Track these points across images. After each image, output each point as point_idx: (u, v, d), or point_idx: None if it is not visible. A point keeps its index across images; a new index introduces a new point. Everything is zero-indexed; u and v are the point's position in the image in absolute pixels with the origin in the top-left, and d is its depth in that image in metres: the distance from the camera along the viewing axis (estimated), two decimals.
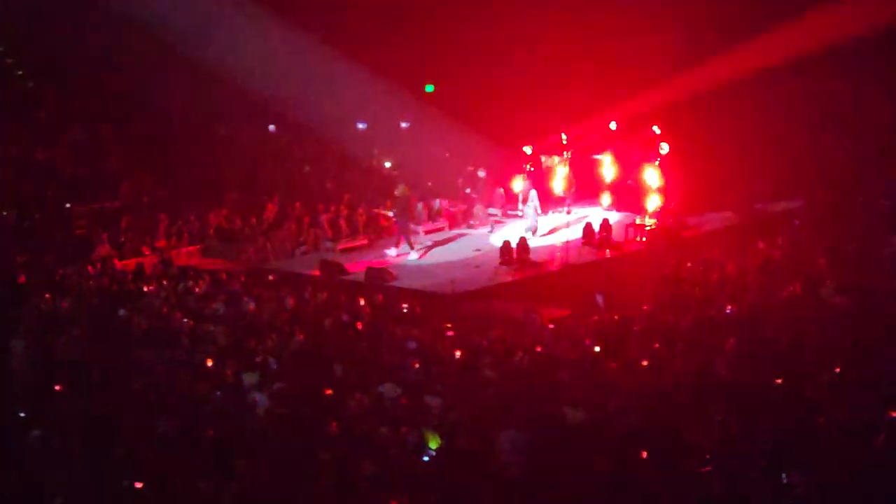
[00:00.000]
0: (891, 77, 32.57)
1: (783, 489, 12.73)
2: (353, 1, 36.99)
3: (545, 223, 31.96)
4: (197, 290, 25.07)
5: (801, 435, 14.30)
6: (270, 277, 27.24)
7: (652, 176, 31.61)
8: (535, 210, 31.52)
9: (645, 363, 18.24)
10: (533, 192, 31.79)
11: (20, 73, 36.68)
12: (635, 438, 14.17)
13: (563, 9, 35.22)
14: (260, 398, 16.38)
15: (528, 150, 34.22)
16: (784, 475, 12.82)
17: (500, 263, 27.49)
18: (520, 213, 33.44)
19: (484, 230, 32.48)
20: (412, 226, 31.15)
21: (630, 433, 14.44)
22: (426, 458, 14.09)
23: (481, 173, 33.05)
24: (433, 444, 14.37)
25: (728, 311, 21.67)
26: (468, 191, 33.16)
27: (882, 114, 32.80)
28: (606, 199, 34.11)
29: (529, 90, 35.88)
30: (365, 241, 31.51)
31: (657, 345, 19.31)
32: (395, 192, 30.37)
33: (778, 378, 16.93)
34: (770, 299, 22.59)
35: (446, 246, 31.15)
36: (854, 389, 16.33)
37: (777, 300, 22.53)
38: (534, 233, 30.98)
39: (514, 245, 27.67)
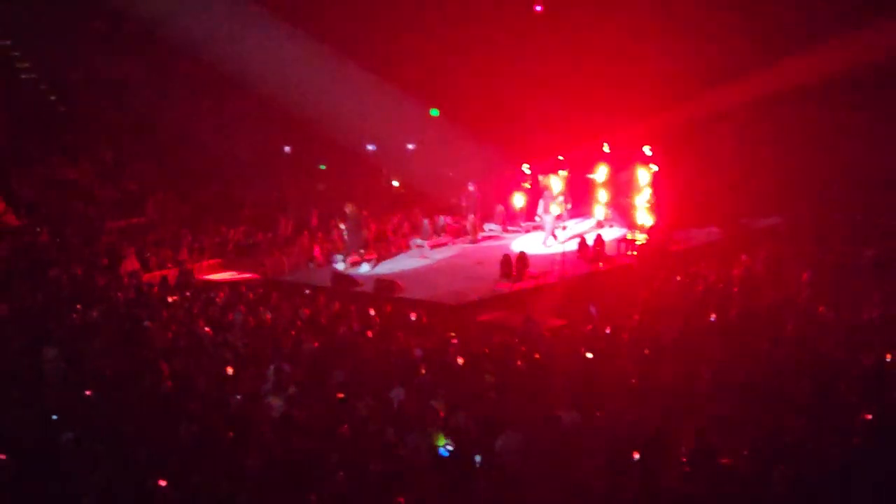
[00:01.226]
0: (865, 104, 32.61)
1: (765, 487, 12.73)
2: (362, 30, 37.02)
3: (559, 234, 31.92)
4: (217, 300, 25.12)
5: (782, 435, 14.32)
6: (286, 288, 27.27)
7: (642, 194, 31.66)
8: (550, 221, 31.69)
9: (635, 369, 18.28)
10: (541, 203, 31.95)
11: (53, 97, 36.78)
12: (627, 439, 14.18)
13: (561, 41, 35.38)
14: (276, 402, 16.40)
15: (526, 168, 34.27)
16: (767, 473, 12.82)
17: (501, 276, 27.49)
18: (520, 229, 33.55)
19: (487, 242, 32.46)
20: (416, 240, 31.44)
21: (622, 434, 14.46)
22: (443, 455, 14.08)
23: (471, 187, 32.94)
24: (440, 445, 14.38)
25: (712, 320, 21.70)
26: (464, 205, 33.02)
27: (858, 138, 32.84)
28: (599, 215, 34.10)
29: (529, 114, 35.92)
30: (374, 255, 31.51)
31: (647, 352, 19.35)
32: (346, 210, 30.52)
33: (760, 382, 16.98)
34: (752, 309, 22.62)
35: (450, 259, 31.18)
36: (832, 393, 16.37)
37: (759, 310, 22.56)
38: (546, 241, 31.15)
39: (514, 258, 27.70)
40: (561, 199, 32.61)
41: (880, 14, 31.01)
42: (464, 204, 33.55)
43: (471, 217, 33.15)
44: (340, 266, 29.85)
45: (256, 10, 35.06)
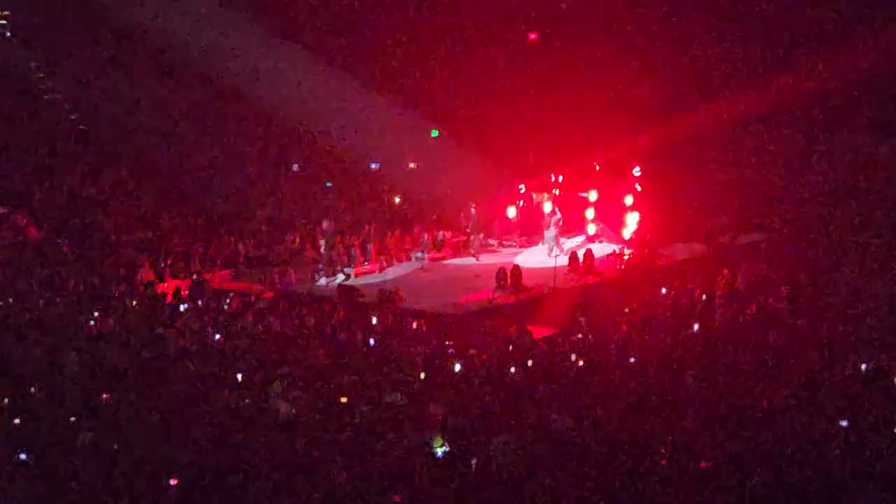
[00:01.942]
0: (840, 127, 32.74)
1: (745, 492, 12.73)
2: (367, 54, 37.10)
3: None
4: (228, 310, 25.14)
5: (762, 441, 14.33)
6: (293, 298, 27.28)
7: (630, 211, 31.73)
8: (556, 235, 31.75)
9: (622, 377, 18.30)
10: (554, 219, 32.04)
11: (73, 117, 36.86)
12: (615, 443, 14.19)
13: (556, 67, 35.51)
14: (283, 406, 16.41)
15: (522, 187, 34.31)
16: (746, 478, 12.83)
17: (496, 287, 27.53)
18: (515, 244, 33.61)
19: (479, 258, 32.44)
20: (417, 253, 31.56)
21: (611, 438, 14.47)
22: (439, 457, 14.09)
23: (473, 209, 32.87)
24: (438, 447, 14.39)
25: (695, 330, 21.75)
26: (468, 230, 32.86)
27: (832, 159, 32.97)
28: (590, 231, 34.11)
29: (525, 134, 36.01)
30: (377, 268, 31.52)
31: (633, 359, 19.39)
32: (323, 226, 30.55)
33: (741, 390, 17.00)
34: (734, 321, 22.67)
35: (449, 272, 31.20)
36: (810, 400, 16.39)
37: (741, 321, 22.61)
38: (550, 252, 31.27)
39: (510, 271, 27.75)
40: (559, 215, 32.60)
41: (855, 37, 31.14)
42: (465, 223, 33.51)
43: (477, 236, 33.03)
44: (322, 281, 29.93)
45: (265, 32, 35.16)
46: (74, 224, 32.15)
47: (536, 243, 33.20)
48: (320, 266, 30.56)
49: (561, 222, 33.21)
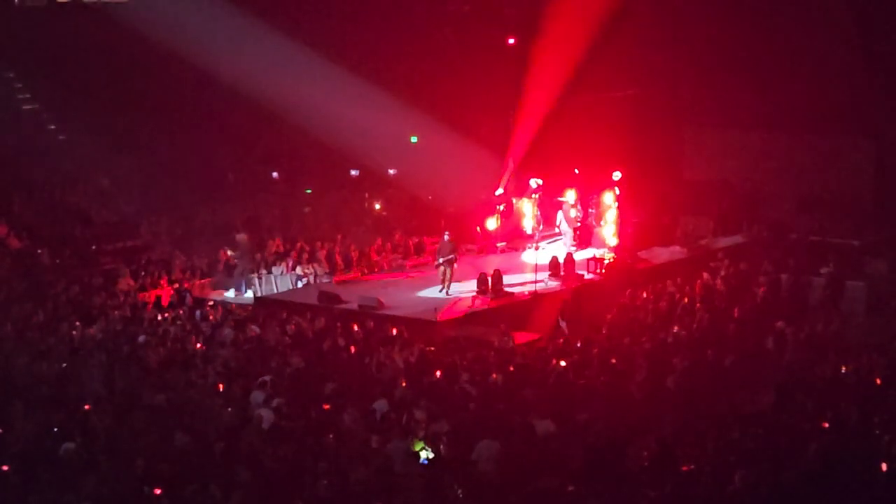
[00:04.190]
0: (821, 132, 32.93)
1: (726, 491, 12.79)
2: (348, 58, 37.01)
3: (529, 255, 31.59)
4: (209, 318, 25.09)
5: (743, 442, 14.40)
6: (274, 306, 27.20)
7: (610, 215, 31.71)
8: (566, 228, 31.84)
9: (604, 380, 18.35)
10: (560, 214, 32.05)
11: (52, 127, 36.76)
12: (596, 446, 14.23)
13: (534, 71, 35.53)
14: (265, 413, 16.39)
15: (499, 192, 34.10)
16: (728, 478, 12.88)
17: (478, 293, 27.50)
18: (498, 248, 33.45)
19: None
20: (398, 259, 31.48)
21: (592, 442, 14.51)
22: (423, 463, 14.12)
23: (446, 237, 31.22)
24: (421, 452, 14.41)
25: (675, 333, 21.81)
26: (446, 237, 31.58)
27: (814, 163, 33.17)
28: (570, 235, 33.98)
29: (504, 139, 36.03)
30: (358, 274, 31.44)
31: (615, 363, 19.43)
32: (237, 238, 30.58)
33: (721, 391, 17.10)
34: (714, 323, 22.75)
35: (429, 278, 31.07)
36: (790, 402, 16.47)
37: (720, 324, 22.70)
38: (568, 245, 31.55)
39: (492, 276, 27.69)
40: (578, 207, 32.40)
41: (846, 46, 31.32)
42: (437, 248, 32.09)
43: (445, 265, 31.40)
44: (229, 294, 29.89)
45: (249, 39, 35.06)
46: (55, 233, 32.04)
47: (519, 248, 32.96)
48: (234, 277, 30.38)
49: (542, 227, 33.08)
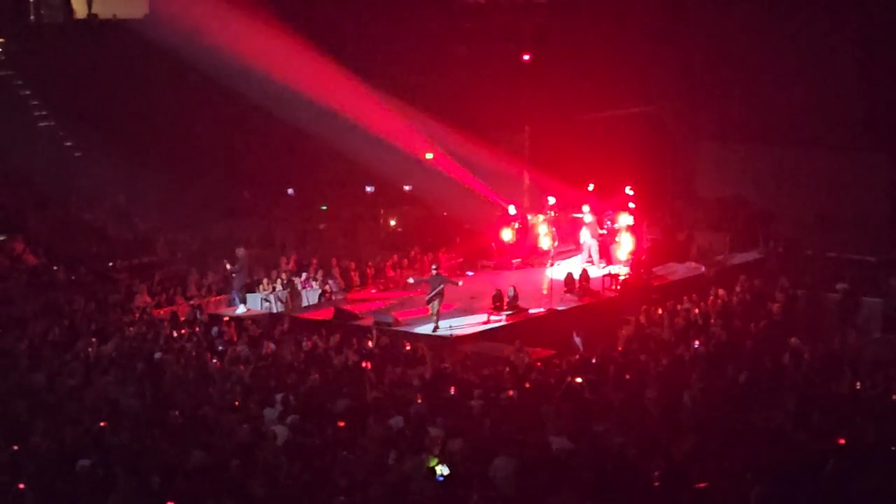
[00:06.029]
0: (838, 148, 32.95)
1: None
2: (354, 73, 37.07)
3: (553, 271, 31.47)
4: (224, 335, 25.14)
5: (759, 458, 14.36)
6: (289, 323, 27.23)
7: (625, 231, 31.70)
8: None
9: (620, 397, 18.33)
10: (584, 229, 32.21)
11: (68, 143, 36.88)
12: (612, 463, 14.22)
13: (549, 87, 35.63)
14: (280, 430, 16.41)
15: (512, 209, 34.06)
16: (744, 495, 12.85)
17: (493, 309, 27.50)
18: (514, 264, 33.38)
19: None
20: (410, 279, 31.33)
21: (607, 458, 14.50)
22: (439, 480, 14.11)
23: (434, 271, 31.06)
24: (437, 469, 14.40)
25: (695, 348, 21.79)
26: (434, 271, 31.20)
27: (830, 179, 33.16)
28: (595, 248, 33.86)
29: (518, 154, 36.13)
30: (373, 291, 31.47)
31: (630, 379, 19.42)
32: (236, 253, 30.46)
33: (738, 408, 17.05)
34: (729, 340, 22.72)
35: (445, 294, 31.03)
36: (806, 417, 16.42)
37: (736, 340, 22.68)
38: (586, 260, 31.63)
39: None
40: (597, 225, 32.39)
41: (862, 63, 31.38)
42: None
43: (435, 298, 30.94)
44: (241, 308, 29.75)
45: (265, 56, 35.15)
46: (71, 250, 32.15)
47: (536, 264, 32.85)
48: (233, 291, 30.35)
49: (557, 243, 33.05)
